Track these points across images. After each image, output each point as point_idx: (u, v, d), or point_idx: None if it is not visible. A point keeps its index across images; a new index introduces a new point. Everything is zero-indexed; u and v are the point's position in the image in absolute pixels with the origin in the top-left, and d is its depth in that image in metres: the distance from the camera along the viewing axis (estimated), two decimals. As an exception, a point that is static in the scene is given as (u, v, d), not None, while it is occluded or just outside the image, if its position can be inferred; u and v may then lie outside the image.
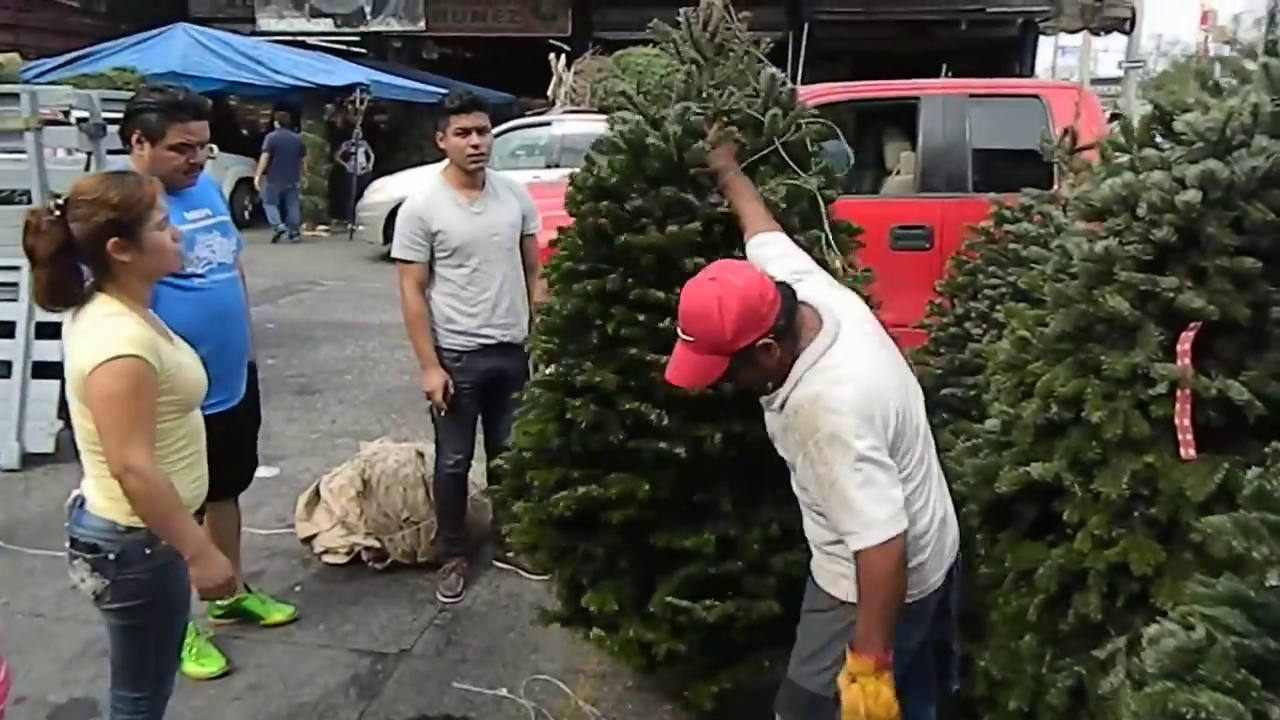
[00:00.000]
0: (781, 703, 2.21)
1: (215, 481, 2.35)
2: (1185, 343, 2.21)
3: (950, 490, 2.26)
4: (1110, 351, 2.36)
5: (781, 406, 2.00)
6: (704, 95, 2.49)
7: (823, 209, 2.46)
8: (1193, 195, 2.16)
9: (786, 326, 1.93)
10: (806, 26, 3.95)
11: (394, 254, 3.46)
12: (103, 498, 2.10)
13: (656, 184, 2.48)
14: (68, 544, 2.14)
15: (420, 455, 3.94)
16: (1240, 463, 2.18)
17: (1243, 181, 2.14)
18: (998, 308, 3.57)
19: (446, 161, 3.47)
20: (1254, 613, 1.53)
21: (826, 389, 1.90)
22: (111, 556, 2.08)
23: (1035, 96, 5.10)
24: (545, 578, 3.68)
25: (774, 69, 2.52)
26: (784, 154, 2.49)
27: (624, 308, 2.49)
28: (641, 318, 2.49)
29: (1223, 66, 2.47)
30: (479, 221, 3.42)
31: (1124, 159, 2.57)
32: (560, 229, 2.77)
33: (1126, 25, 19.81)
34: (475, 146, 3.34)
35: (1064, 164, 3.66)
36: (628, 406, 2.54)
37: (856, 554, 1.91)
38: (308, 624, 3.42)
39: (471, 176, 3.42)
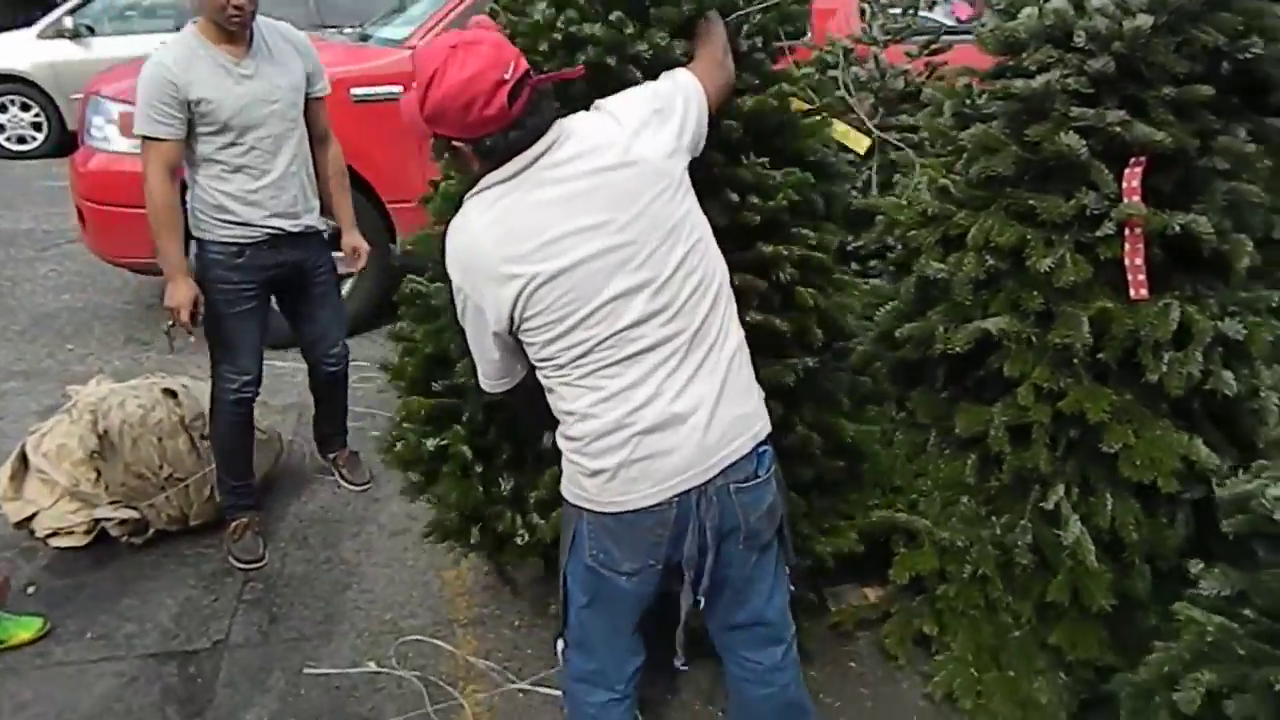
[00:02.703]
0: None
1: None
2: (1134, 179, 2.13)
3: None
4: (1042, 195, 2.25)
5: None
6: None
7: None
8: (1143, 20, 2.04)
9: (494, 149, 1.57)
10: None
11: (136, 128, 2.63)
12: None
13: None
14: None
15: (170, 395, 3.08)
16: (1184, 299, 2.19)
17: (1191, 4, 2.05)
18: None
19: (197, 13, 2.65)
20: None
21: (455, 226, 1.65)
22: None
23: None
24: (364, 486, 3.32)
25: None
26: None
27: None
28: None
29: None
30: (251, 87, 2.68)
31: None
32: None
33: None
34: (238, 7, 2.57)
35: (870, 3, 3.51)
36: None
37: None
38: (68, 635, 2.57)
39: (235, 32, 2.66)
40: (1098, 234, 2.16)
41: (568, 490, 1.73)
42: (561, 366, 1.61)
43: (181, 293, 2.68)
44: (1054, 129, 2.18)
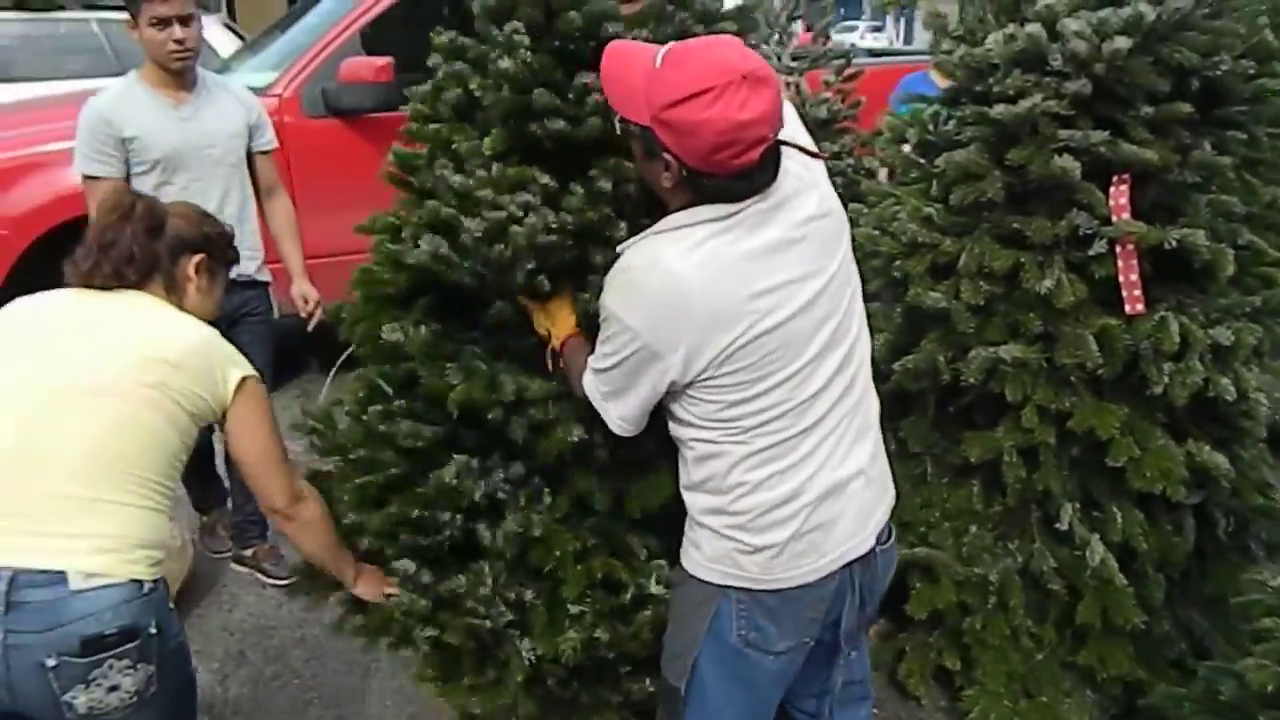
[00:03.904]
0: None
1: None
2: (1121, 197, 2.17)
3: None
4: (1028, 218, 2.26)
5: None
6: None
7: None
8: (1122, 43, 2.08)
9: (707, 188, 1.39)
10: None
11: (76, 167, 2.71)
12: (115, 557, 1.54)
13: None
14: (55, 660, 1.46)
15: None
16: (1174, 310, 2.24)
17: (1163, 25, 2.10)
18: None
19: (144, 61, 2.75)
20: None
21: (644, 264, 1.42)
22: (154, 630, 1.56)
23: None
24: (286, 581, 2.95)
25: None
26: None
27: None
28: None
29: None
30: (187, 130, 2.73)
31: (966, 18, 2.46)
32: None
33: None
34: (179, 41, 2.64)
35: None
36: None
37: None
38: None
39: (178, 75, 2.73)
40: (1089, 253, 2.19)
41: (708, 569, 1.56)
42: (744, 431, 1.45)
43: None
44: (1036, 152, 2.19)
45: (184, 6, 2.63)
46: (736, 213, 1.39)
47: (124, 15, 8.95)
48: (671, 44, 1.41)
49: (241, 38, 9.63)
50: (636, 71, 1.40)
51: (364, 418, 1.96)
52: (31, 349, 1.66)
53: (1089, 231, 2.17)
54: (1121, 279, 2.18)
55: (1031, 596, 2.32)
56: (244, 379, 1.71)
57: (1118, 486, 2.27)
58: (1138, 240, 2.13)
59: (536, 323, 1.81)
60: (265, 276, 2.96)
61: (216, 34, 9.07)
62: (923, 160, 2.51)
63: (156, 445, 1.63)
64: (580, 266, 1.77)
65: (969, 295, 2.25)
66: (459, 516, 1.88)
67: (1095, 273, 2.19)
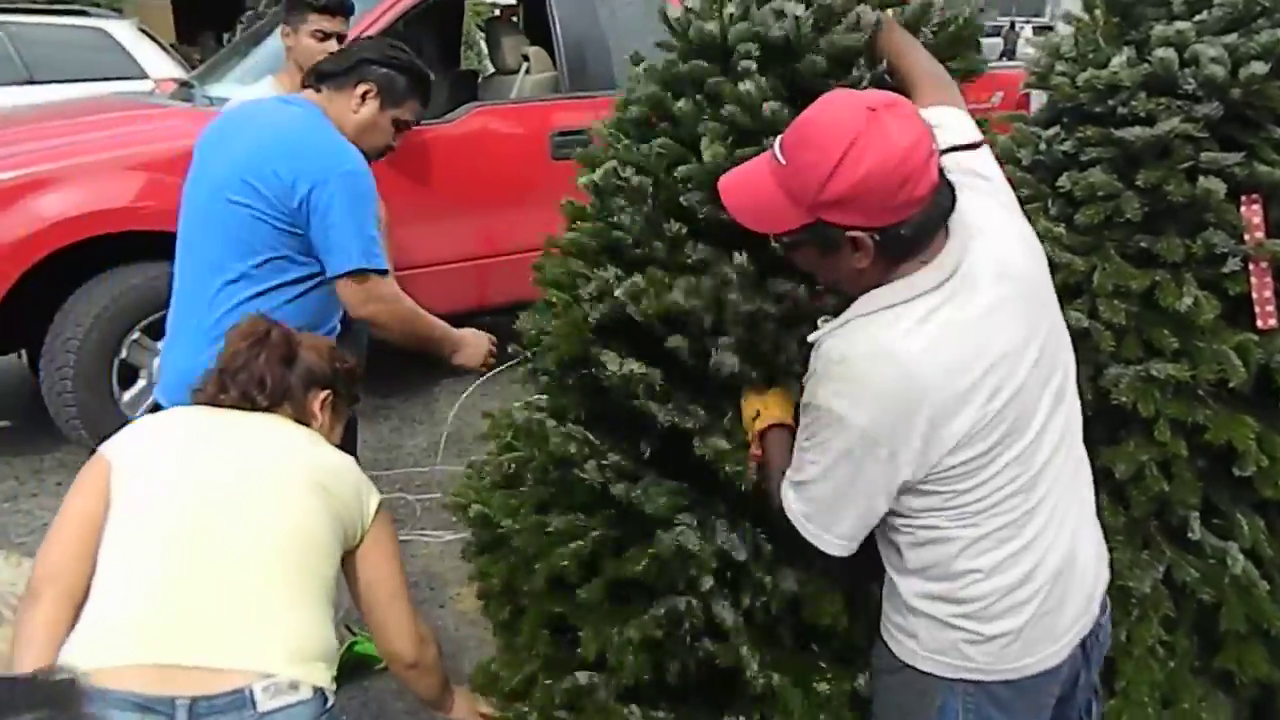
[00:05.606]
0: None
1: None
2: (1255, 216, 2.24)
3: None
4: (1156, 237, 2.31)
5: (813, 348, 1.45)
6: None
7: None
8: (1258, 67, 2.15)
9: (905, 239, 1.29)
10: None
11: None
12: (302, 665, 1.44)
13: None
14: None
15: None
16: (1301, 324, 2.32)
17: (1294, 50, 2.18)
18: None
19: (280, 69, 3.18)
20: None
21: (865, 353, 1.33)
22: None
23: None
24: None
25: None
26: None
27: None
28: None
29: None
30: None
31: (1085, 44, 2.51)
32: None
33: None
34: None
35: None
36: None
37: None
38: None
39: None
40: (1224, 270, 2.25)
41: (930, 660, 1.48)
42: (974, 515, 1.37)
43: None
44: (1170, 172, 2.24)
45: (343, 25, 3.06)
46: (951, 276, 1.30)
47: (29, 19, 8.47)
48: (781, 135, 1.34)
49: (158, 43, 9.15)
50: (761, 184, 1.33)
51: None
52: (180, 457, 1.58)
53: (1224, 250, 2.24)
54: (1255, 295, 2.25)
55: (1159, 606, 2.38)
56: (380, 503, 1.73)
57: (1239, 495, 2.35)
58: (1273, 257, 2.21)
59: (746, 409, 1.67)
60: None
61: (130, 38, 8.61)
62: (1030, 177, 2.54)
63: (331, 547, 1.59)
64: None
65: (1108, 314, 2.29)
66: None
67: (1229, 289, 2.26)
